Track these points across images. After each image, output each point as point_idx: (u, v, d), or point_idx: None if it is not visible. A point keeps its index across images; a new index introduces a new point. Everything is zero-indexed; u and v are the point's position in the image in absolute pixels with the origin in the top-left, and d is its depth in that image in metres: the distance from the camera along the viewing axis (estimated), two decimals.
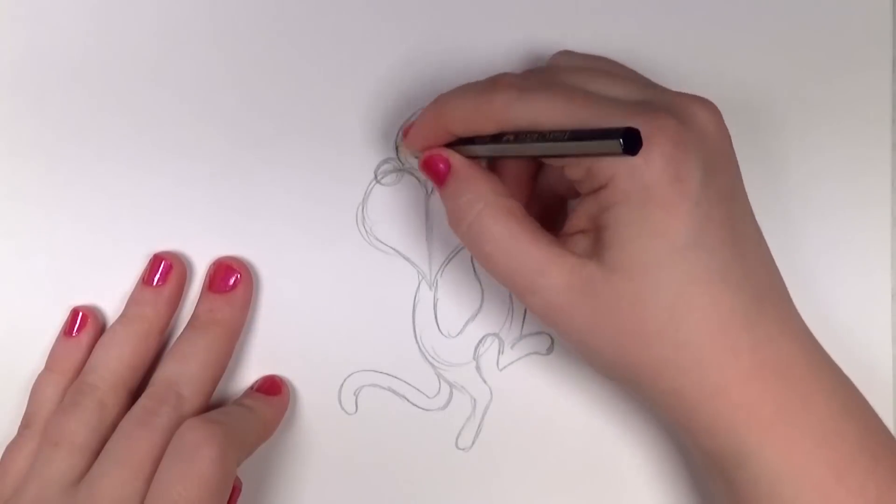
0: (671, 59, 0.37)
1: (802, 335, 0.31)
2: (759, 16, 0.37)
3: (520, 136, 0.30)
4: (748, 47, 0.37)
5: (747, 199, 0.31)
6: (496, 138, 0.31)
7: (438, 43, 0.37)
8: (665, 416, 0.31)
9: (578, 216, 0.31)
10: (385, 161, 0.37)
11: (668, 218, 0.28)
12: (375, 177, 0.37)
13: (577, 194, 0.33)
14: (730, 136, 0.30)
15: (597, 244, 0.30)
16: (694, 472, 0.37)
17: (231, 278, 0.36)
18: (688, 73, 0.37)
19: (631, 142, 0.26)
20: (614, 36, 0.37)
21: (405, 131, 0.34)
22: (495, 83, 0.31)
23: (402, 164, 0.37)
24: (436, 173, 0.32)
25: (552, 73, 0.32)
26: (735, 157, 0.30)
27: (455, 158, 0.32)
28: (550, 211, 0.35)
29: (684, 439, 0.32)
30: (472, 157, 0.32)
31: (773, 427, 0.29)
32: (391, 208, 0.37)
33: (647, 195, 0.28)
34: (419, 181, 0.37)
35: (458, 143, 0.32)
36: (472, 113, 0.31)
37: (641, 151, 0.27)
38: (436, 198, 0.37)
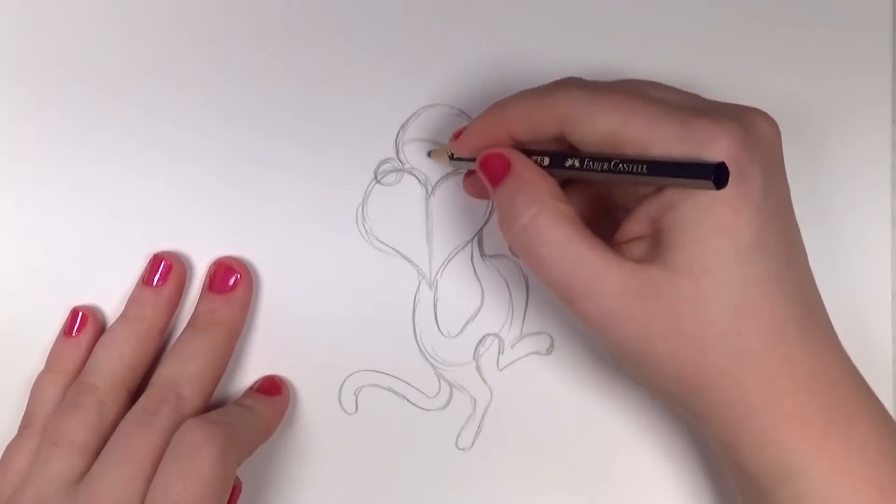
0: (671, 61, 0.37)
1: (841, 352, 0.31)
2: (759, 17, 0.37)
3: (585, 162, 0.29)
4: (748, 49, 0.37)
5: (794, 211, 0.31)
6: (559, 161, 0.30)
7: (439, 42, 0.37)
8: (712, 431, 0.31)
9: (636, 221, 0.30)
10: (385, 161, 0.37)
11: (734, 217, 0.28)
12: (375, 177, 0.37)
13: (628, 201, 0.32)
14: (782, 150, 0.30)
15: (656, 248, 0.29)
16: (695, 473, 0.37)
17: (231, 278, 0.36)
18: (688, 75, 0.37)
19: (722, 177, 0.26)
20: (605, 38, 0.37)
21: (455, 134, 0.33)
22: (559, 84, 0.31)
23: (402, 165, 0.37)
24: (493, 172, 0.31)
25: (615, 82, 0.32)
26: (785, 170, 0.30)
27: (515, 158, 0.31)
28: (599, 220, 0.34)
29: (726, 457, 0.31)
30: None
31: (823, 442, 0.29)
32: (391, 208, 0.37)
33: (713, 194, 0.28)
34: (419, 181, 0.37)
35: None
36: (534, 111, 0.30)
37: (709, 150, 0.27)
38: (436, 198, 0.37)
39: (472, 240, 0.37)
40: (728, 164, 0.27)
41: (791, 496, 0.29)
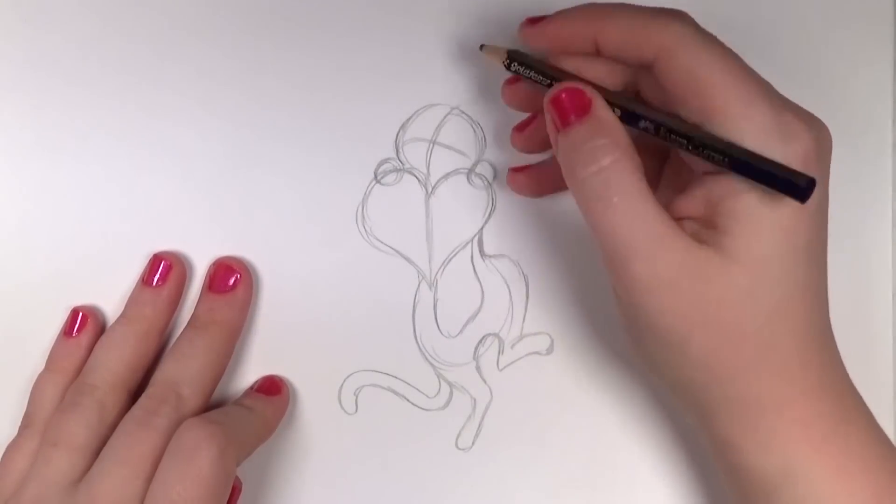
0: None
1: (842, 361, 0.31)
2: (759, 15, 0.37)
3: (662, 131, 0.28)
4: (748, 47, 0.37)
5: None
6: (632, 119, 0.29)
7: (439, 42, 0.37)
8: (716, 427, 0.30)
9: (693, 198, 0.29)
10: (385, 161, 0.37)
11: (796, 217, 0.28)
12: (375, 177, 0.37)
13: (685, 175, 0.31)
14: None
15: (711, 231, 0.29)
16: (694, 474, 0.37)
17: (231, 278, 0.36)
18: None
19: (807, 192, 0.26)
20: None
21: (531, 20, 0.31)
22: (671, 12, 0.29)
23: (402, 165, 0.37)
24: (568, 110, 0.29)
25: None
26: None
27: (597, 100, 0.29)
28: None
29: (725, 457, 0.31)
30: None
31: (824, 448, 0.29)
32: (391, 208, 0.37)
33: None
34: (419, 181, 0.37)
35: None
36: (637, 29, 0.29)
37: (793, 147, 0.27)
38: (436, 198, 0.37)
39: (472, 240, 0.37)
40: (804, 164, 0.27)
41: (790, 498, 0.29)
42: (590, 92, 0.29)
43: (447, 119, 0.37)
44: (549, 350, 0.37)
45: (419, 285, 0.37)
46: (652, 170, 0.33)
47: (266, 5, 0.37)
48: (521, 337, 0.37)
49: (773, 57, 0.37)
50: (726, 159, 0.27)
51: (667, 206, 0.29)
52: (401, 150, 0.37)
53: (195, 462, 0.31)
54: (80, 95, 0.37)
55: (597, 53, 0.30)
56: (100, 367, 0.34)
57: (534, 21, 0.32)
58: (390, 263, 0.37)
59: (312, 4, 0.37)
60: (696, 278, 0.28)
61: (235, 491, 0.35)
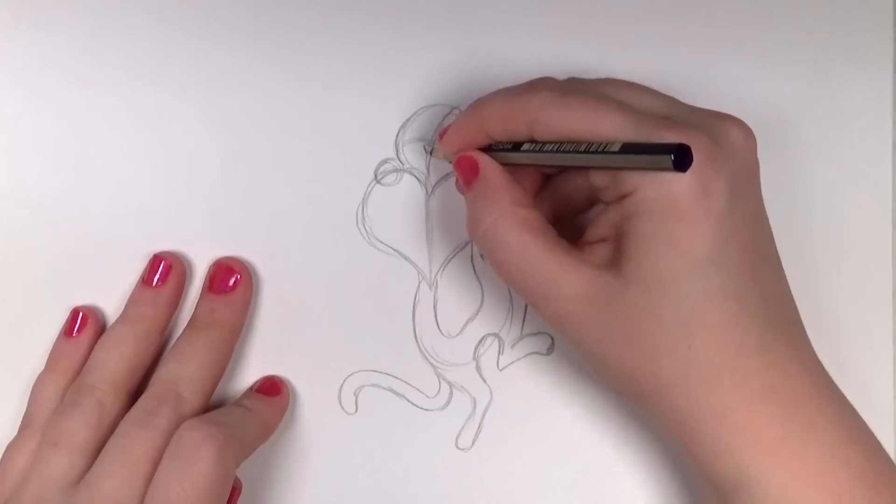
0: (670, 59, 0.37)
1: (810, 362, 0.30)
2: (760, 16, 0.37)
3: (563, 145, 0.30)
4: (748, 47, 0.37)
5: (769, 223, 0.31)
6: (539, 147, 0.31)
7: (440, 43, 0.37)
8: (668, 435, 0.31)
9: (601, 224, 0.31)
10: (385, 161, 0.37)
11: (690, 232, 0.28)
12: (375, 177, 0.37)
13: (591, 203, 0.33)
14: (758, 159, 0.30)
15: (616, 254, 0.29)
16: (692, 475, 0.37)
17: (231, 279, 0.36)
18: (686, 73, 0.37)
19: (682, 158, 0.26)
20: (609, 39, 0.37)
21: (441, 132, 0.34)
22: (533, 86, 0.31)
23: (402, 165, 0.37)
24: (464, 175, 0.32)
25: (590, 82, 0.32)
26: (760, 180, 0.30)
27: (484, 163, 0.32)
28: (569, 218, 0.35)
29: (686, 461, 0.31)
30: (509, 164, 0.32)
31: (777, 451, 0.29)
32: (391, 208, 0.37)
33: (671, 207, 0.28)
34: (419, 181, 0.37)
35: (498, 150, 0.32)
36: (507, 112, 0.31)
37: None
38: (436, 198, 0.37)
39: (472, 240, 0.37)
40: (691, 179, 0.27)
41: (746, 503, 0.29)
42: (477, 157, 0.32)
43: (447, 119, 0.37)
44: (549, 350, 0.37)
45: (419, 285, 0.37)
46: (574, 202, 0.34)
47: (266, 5, 0.37)
48: (521, 337, 0.37)
49: (775, 57, 0.37)
50: (619, 146, 0.28)
51: (581, 232, 0.32)
52: (401, 150, 0.37)
53: (195, 463, 0.31)
54: (80, 95, 0.37)
55: (494, 140, 0.32)
56: (100, 367, 0.34)
57: (441, 134, 0.34)
58: (390, 263, 0.37)
59: (312, 4, 0.37)
60: (600, 304, 0.29)
61: (235, 491, 0.35)
